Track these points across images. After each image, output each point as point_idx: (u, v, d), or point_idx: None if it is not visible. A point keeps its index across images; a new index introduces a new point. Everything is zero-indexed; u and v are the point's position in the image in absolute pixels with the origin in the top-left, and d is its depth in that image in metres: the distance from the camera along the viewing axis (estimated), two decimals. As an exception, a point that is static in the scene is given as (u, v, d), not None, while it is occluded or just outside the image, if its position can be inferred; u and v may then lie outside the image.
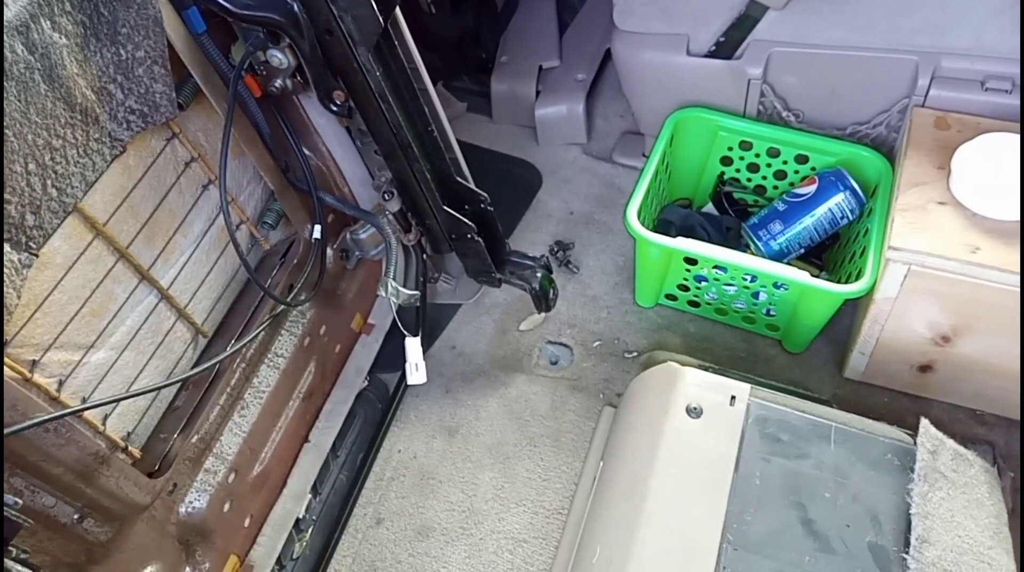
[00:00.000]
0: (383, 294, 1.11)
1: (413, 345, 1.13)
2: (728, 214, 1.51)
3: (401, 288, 1.13)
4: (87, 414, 0.92)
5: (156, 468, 1.03)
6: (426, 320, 1.27)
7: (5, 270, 0.78)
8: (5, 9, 0.74)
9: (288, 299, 1.11)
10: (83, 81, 0.83)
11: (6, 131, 0.75)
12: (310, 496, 1.24)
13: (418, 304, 1.21)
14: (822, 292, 1.24)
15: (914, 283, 1.18)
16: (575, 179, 1.72)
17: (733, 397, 1.11)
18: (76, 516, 0.91)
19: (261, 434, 1.17)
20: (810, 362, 1.42)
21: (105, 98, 0.87)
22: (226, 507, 1.12)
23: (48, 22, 0.77)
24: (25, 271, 0.80)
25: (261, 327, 1.07)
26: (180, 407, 1.09)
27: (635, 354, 1.45)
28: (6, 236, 0.79)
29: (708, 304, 1.45)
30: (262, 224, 1.19)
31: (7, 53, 0.74)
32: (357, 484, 1.30)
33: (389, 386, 1.40)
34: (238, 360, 1.14)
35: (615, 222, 1.63)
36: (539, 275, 1.36)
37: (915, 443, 1.05)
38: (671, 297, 1.48)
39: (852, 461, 1.05)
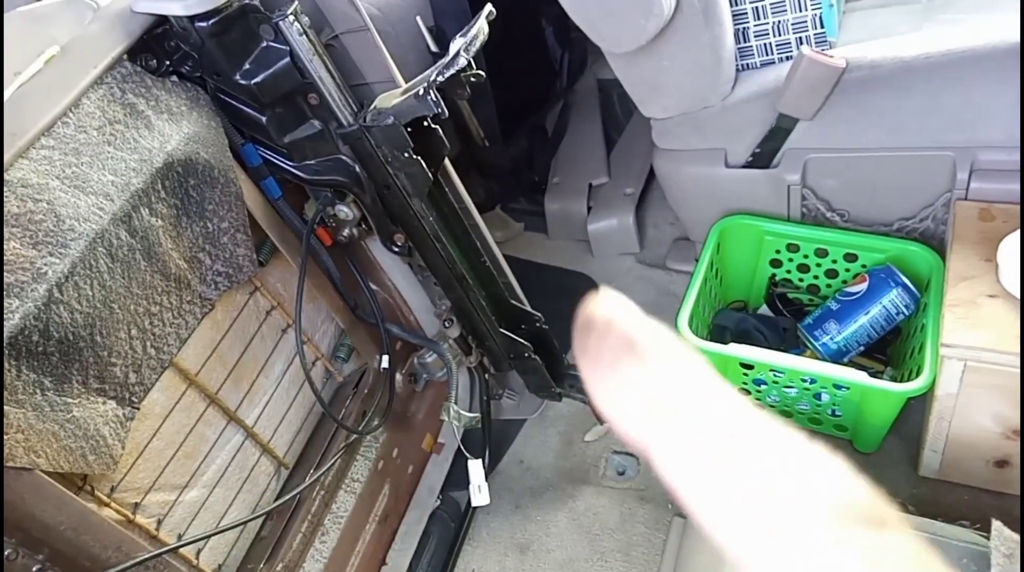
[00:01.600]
0: (446, 419, 1.18)
1: (475, 467, 1.19)
2: (784, 315, 1.54)
3: (463, 412, 1.20)
4: (183, 550, 1.00)
5: (244, 598, 1.10)
6: (491, 439, 1.33)
7: (111, 424, 0.89)
8: (111, 203, 0.87)
9: (360, 427, 1.19)
10: (176, 254, 0.96)
11: (112, 305, 0.88)
12: (389, 620, 1.28)
13: (479, 425, 1.27)
14: (882, 392, 1.24)
15: (973, 378, 1.17)
16: (631, 288, 1.78)
17: (796, 505, 1.10)
18: (171, 648, 0.98)
19: (341, 559, 1.23)
20: (884, 461, 1.39)
21: (196, 266, 1.00)
22: (310, 633, 1.18)
23: (147, 210, 0.90)
24: (128, 424, 0.91)
25: (337, 456, 1.15)
26: (265, 537, 1.17)
27: (701, 460, 1.45)
28: (112, 393, 0.91)
29: (772, 406, 1.45)
30: (335, 358, 1.30)
31: (114, 240, 0.87)
32: (434, 606, 1.33)
33: (461, 504, 1.44)
34: (317, 488, 1.22)
35: (672, 328, 1.66)
36: (598, 388, 1.40)
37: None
38: (733, 401, 1.49)
39: (926, 568, 1.03)
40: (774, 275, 1.56)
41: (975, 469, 1.30)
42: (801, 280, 1.54)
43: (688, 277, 1.74)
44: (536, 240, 1.95)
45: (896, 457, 1.39)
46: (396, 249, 1.22)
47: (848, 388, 1.30)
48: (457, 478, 1.45)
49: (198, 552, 1.03)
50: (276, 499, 1.10)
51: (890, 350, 1.49)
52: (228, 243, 1.02)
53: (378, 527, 1.31)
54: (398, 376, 1.40)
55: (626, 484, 1.45)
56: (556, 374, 1.40)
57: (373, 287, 1.33)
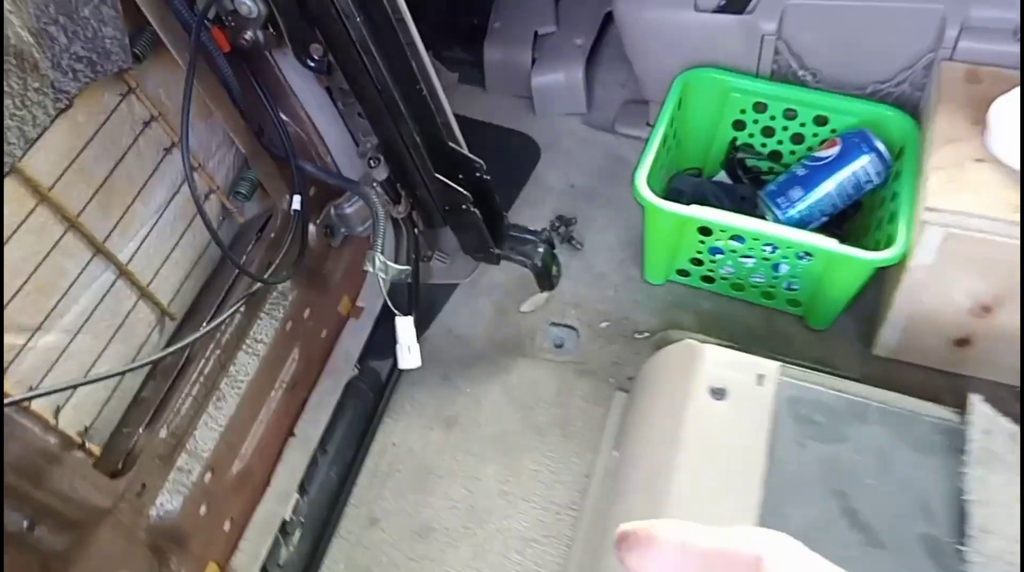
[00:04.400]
0: (370, 269, 1.00)
1: (404, 325, 1.02)
2: (742, 182, 1.41)
3: (390, 263, 1.02)
4: (35, 406, 0.80)
5: (120, 467, 0.92)
6: (419, 299, 1.16)
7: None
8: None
9: (266, 276, 1.00)
10: (18, 20, 0.72)
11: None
12: (297, 496, 1.12)
13: (410, 280, 1.10)
14: (852, 261, 1.14)
15: (952, 248, 1.08)
16: (575, 151, 1.61)
17: (761, 376, 1.00)
18: (25, 524, 0.80)
19: (240, 428, 1.06)
20: (836, 339, 1.32)
21: (46, 42, 0.75)
22: (203, 509, 1.01)
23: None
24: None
25: (236, 306, 0.96)
26: (147, 398, 0.98)
27: (646, 334, 1.34)
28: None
29: (723, 279, 1.34)
30: (235, 194, 1.08)
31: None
32: (348, 482, 1.18)
33: (381, 374, 1.29)
34: (212, 346, 1.03)
35: (619, 195, 1.52)
36: (541, 250, 1.25)
37: (963, 422, 0.95)
38: (683, 273, 1.37)
39: (896, 443, 0.95)
40: (735, 139, 1.42)
41: (933, 348, 1.23)
42: (764, 145, 1.41)
43: (638, 143, 1.59)
44: (471, 94, 1.73)
45: (849, 335, 1.32)
46: (312, 64, 1.00)
47: (812, 257, 1.19)
48: (378, 346, 1.29)
49: (57, 410, 0.83)
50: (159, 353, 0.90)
51: (847, 226, 1.39)
52: (90, 18, 0.78)
53: (285, 395, 1.14)
54: (311, 227, 1.20)
55: (564, 357, 1.33)
56: (496, 234, 1.23)
57: (284, 119, 1.11)
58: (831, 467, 0.93)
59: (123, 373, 0.84)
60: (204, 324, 0.97)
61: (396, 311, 1.03)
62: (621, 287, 1.40)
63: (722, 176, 1.44)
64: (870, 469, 0.93)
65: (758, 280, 1.31)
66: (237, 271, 1.05)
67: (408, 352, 1.01)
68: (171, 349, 0.86)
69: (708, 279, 1.36)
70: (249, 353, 1.08)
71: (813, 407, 0.98)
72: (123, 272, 0.91)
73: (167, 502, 0.98)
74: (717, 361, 1.02)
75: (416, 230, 1.26)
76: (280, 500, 1.09)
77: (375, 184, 1.13)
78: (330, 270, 1.25)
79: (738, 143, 1.42)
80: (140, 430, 0.94)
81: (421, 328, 1.36)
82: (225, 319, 0.94)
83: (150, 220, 0.94)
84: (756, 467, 0.93)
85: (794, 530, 0.80)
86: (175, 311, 1.00)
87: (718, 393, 0.99)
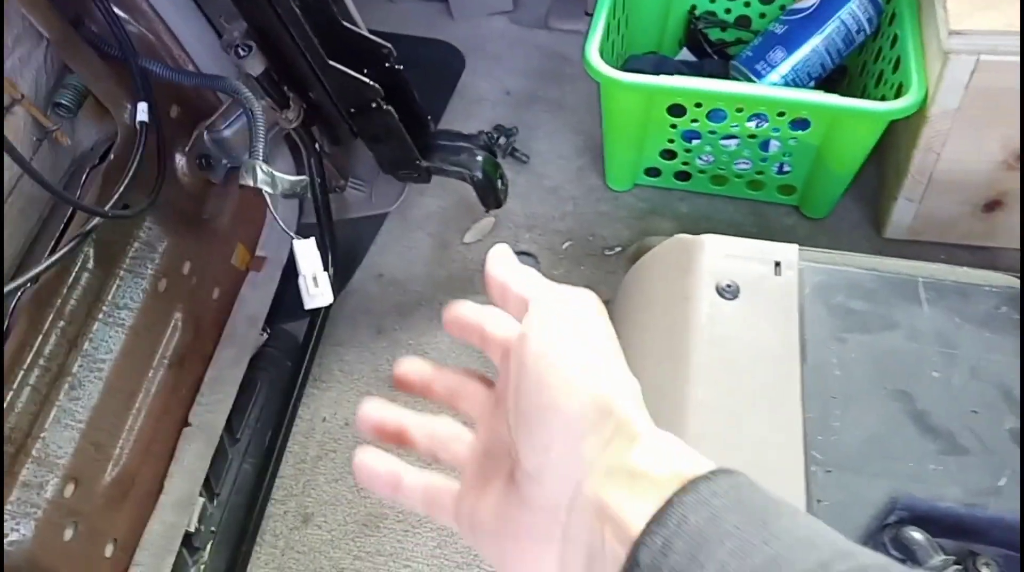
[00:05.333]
0: (249, 182, 0.73)
1: (305, 249, 0.75)
2: (710, 56, 1.18)
3: (278, 173, 0.76)
4: None
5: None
6: (331, 226, 0.90)
7: None
8: None
9: (107, 208, 0.73)
10: None
11: None
12: (203, 500, 0.87)
13: (308, 194, 0.85)
14: (861, 117, 0.93)
15: (982, 83, 0.87)
16: (506, 54, 1.36)
17: (778, 263, 0.78)
18: None
19: (109, 422, 0.80)
20: (839, 227, 1.11)
21: None
22: (68, 533, 0.75)
23: None
24: None
25: (65, 249, 0.69)
26: (-40, 397, 0.71)
27: (618, 249, 1.11)
28: None
29: (701, 173, 1.12)
30: (54, 108, 0.80)
31: None
32: (269, 473, 0.93)
33: (298, 336, 1.03)
34: (52, 316, 0.76)
35: (565, 97, 1.28)
36: (480, 158, 1.01)
37: (1034, 286, 0.75)
38: (652, 172, 1.14)
39: (957, 323, 0.74)
40: (694, 7, 1.19)
41: (957, 219, 1.03)
42: (728, 11, 1.18)
43: (578, 37, 1.36)
44: (374, 4, 1.46)
45: (853, 220, 1.12)
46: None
47: (810, 124, 0.98)
48: (290, 304, 1.03)
49: None
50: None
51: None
52: None
53: (170, 374, 0.87)
54: (181, 159, 0.93)
55: (523, 289, 1.09)
56: (421, 144, 0.99)
57: (121, 15, 0.84)
58: (883, 362, 0.72)
59: None
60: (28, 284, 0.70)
61: (291, 234, 0.77)
62: (581, 199, 1.17)
63: (684, 54, 1.21)
64: (932, 359, 0.72)
65: (743, 167, 1.09)
66: (73, 211, 0.77)
67: (314, 284, 0.75)
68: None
69: (683, 176, 1.14)
70: (109, 323, 0.81)
71: (848, 292, 0.77)
72: None
73: (12, 530, 0.71)
74: (720, 252, 0.79)
75: (318, 148, 1.00)
76: (179, 508, 0.84)
77: (251, 80, 0.86)
78: (214, 213, 0.98)
79: (697, 12, 1.19)
80: (-51, 439, 0.67)
81: (343, 276, 1.11)
82: (42, 271, 0.67)
83: (-86, 140, 0.66)
84: (790, 375, 0.71)
85: (852, 448, 0.53)
86: (-17, 270, 0.72)
87: (728, 291, 0.76)
